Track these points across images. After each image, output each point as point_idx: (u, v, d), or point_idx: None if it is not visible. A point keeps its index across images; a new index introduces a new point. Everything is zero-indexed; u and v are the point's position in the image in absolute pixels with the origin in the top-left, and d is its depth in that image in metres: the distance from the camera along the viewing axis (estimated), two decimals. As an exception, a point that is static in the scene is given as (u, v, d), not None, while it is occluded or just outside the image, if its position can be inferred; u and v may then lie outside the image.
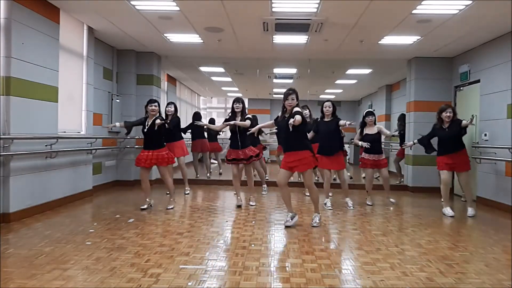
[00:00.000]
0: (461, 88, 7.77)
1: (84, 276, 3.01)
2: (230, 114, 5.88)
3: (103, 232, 4.33)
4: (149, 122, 5.54)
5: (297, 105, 4.65)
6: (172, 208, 5.69)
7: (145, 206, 5.59)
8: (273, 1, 5.19)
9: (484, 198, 6.70)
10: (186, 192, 7.15)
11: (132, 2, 5.30)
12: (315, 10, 5.45)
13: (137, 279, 2.96)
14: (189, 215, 5.37)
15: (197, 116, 8.50)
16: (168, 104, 6.83)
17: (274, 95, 15.27)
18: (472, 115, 6.06)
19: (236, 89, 14.08)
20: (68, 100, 6.08)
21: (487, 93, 6.75)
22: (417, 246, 4.05)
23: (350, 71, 10.24)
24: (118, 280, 2.94)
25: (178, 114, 7.04)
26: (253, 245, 3.92)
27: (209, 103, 19.89)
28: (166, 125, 5.69)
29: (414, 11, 5.39)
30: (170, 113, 6.64)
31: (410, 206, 6.68)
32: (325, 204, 6.06)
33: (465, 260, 3.61)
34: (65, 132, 5.90)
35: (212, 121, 10.47)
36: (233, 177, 5.97)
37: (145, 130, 5.53)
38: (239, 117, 5.74)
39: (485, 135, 6.73)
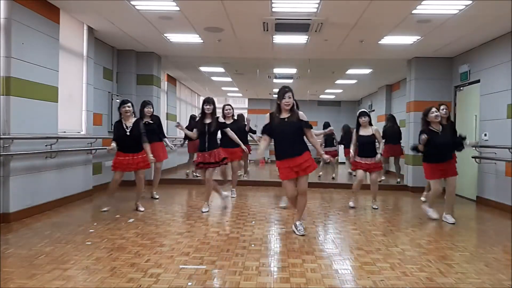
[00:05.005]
0: (461, 88, 7.77)
1: (84, 276, 3.01)
2: (200, 115, 5.57)
3: (103, 232, 4.33)
4: (126, 124, 5.29)
5: (293, 105, 4.29)
6: (143, 211, 5.44)
7: (107, 208, 5.40)
8: (273, 1, 5.19)
9: (484, 198, 6.69)
10: (156, 197, 6.56)
11: (132, 2, 5.30)
12: (315, 10, 5.45)
13: (137, 279, 2.96)
14: (189, 215, 5.37)
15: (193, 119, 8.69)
16: (146, 104, 6.28)
17: (274, 95, 15.25)
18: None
19: (236, 89, 14.08)
20: (68, 100, 6.08)
21: (487, 93, 6.75)
22: (417, 246, 4.05)
23: (350, 71, 10.24)
24: (118, 280, 2.94)
25: (178, 114, 7.01)
26: (253, 245, 3.92)
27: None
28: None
29: (414, 11, 5.39)
30: (149, 113, 6.24)
31: (410, 206, 6.68)
32: (282, 205, 5.68)
33: (465, 260, 3.61)
34: (65, 132, 5.90)
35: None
36: (205, 183, 5.53)
37: (128, 133, 5.24)
38: (210, 119, 5.40)
39: (485, 135, 6.73)
